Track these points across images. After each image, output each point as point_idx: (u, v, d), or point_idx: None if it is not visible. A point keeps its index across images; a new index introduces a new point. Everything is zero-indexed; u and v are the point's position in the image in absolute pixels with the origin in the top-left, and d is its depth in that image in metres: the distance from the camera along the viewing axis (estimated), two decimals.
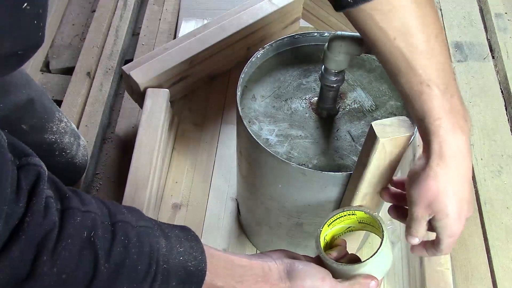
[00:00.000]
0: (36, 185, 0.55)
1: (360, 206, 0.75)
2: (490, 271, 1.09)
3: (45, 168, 0.57)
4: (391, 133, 0.63)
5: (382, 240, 0.70)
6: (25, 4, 0.57)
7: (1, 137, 0.53)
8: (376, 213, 0.73)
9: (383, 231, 0.70)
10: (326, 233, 0.76)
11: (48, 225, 0.54)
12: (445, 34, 1.53)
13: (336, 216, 0.75)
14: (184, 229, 0.68)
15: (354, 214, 0.75)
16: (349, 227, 0.78)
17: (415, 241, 0.68)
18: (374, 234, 0.77)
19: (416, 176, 0.64)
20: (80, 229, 0.57)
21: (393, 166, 0.69)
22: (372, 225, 0.75)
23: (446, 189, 0.62)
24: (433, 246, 0.70)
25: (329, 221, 0.75)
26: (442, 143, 0.61)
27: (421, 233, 0.68)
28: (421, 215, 0.65)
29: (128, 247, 0.60)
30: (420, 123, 0.62)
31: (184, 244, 0.65)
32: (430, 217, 0.65)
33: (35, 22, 0.61)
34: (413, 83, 0.61)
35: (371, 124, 0.63)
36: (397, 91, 0.65)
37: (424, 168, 0.62)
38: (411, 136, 0.64)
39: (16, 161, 0.55)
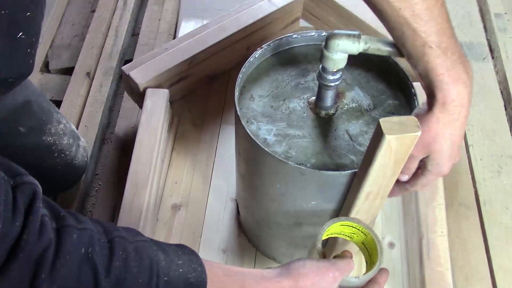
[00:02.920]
0: (33, 203, 0.54)
1: (373, 231, 0.76)
2: (490, 271, 1.09)
3: (40, 186, 0.57)
4: (398, 131, 0.62)
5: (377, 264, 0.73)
6: (20, 34, 0.58)
7: None
8: (381, 248, 0.74)
9: (376, 266, 0.73)
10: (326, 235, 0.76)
11: (44, 242, 0.54)
12: None
13: (348, 223, 0.76)
14: (180, 245, 0.68)
15: (365, 234, 0.76)
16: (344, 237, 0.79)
17: (405, 178, 0.78)
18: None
19: (419, 119, 0.69)
20: (78, 246, 0.57)
21: (399, 165, 0.69)
22: (369, 254, 0.77)
23: (444, 132, 0.71)
24: (412, 180, 0.78)
25: (338, 223, 0.75)
26: (445, 94, 0.69)
27: (412, 170, 0.77)
28: (417, 154, 0.73)
29: (127, 261, 0.60)
30: (424, 79, 0.71)
31: (183, 258, 0.65)
32: (424, 156, 0.74)
33: (28, 50, 0.62)
34: (417, 46, 0.69)
35: (378, 121, 0.63)
36: (404, 54, 0.73)
37: (427, 113, 0.71)
38: (417, 135, 0.64)
39: (10, 181, 0.54)
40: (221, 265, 0.70)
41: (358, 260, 1.01)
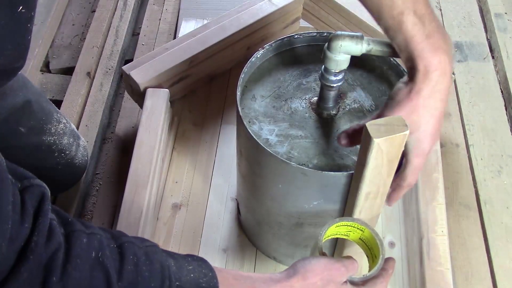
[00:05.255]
0: (41, 205, 0.54)
1: (370, 225, 0.76)
2: (490, 271, 1.09)
3: (48, 189, 0.57)
4: (385, 133, 0.63)
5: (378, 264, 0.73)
6: (21, 8, 0.58)
7: (0, 158, 0.53)
8: (381, 241, 0.75)
9: (380, 260, 0.74)
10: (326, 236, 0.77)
11: (54, 245, 0.53)
12: None
13: (343, 223, 0.76)
14: (189, 254, 0.68)
15: (362, 230, 0.76)
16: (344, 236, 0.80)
17: (343, 135, 0.75)
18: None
19: (400, 90, 0.70)
20: (88, 250, 0.56)
21: (393, 163, 0.69)
22: (369, 248, 0.77)
23: (426, 104, 0.68)
24: (397, 179, 0.74)
25: (336, 224, 0.76)
26: (427, 63, 0.68)
27: None
28: None
29: (138, 265, 0.59)
30: (404, 50, 0.69)
31: (192, 263, 0.65)
32: None
33: (28, 25, 0.62)
34: (394, 15, 0.68)
35: (365, 125, 0.63)
36: (382, 29, 0.72)
37: (409, 85, 0.69)
38: (406, 134, 0.64)
39: (17, 184, 0.54)
40: (231, 270, 0.71)
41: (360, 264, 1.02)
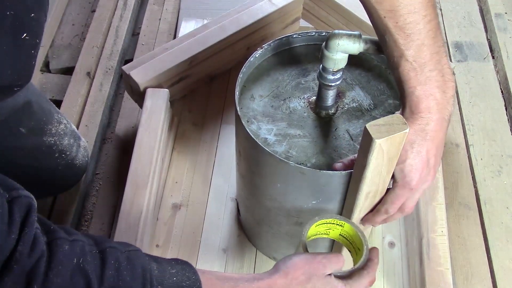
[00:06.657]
0: (28, 216, 0.55)
1: (348, 219, 0.77)
2: (490, 271, 1.09)
3: (35, 200, 0.58)
4: (386, 133, 0.63)
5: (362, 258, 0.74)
6: (25, 35, 0.58)
7: None
8: (362, 233, 0.75)
9: (365, 250, 0.74)
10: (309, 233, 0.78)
11: (37, 253, 0.54)
12: (445, 34, 1.53)
13: (322, 221, 0.76)
14: (173, 258, 0.69)
15: (341, 225, 0.77)
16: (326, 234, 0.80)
17: (339, 165, 0.77)
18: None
19: None
20: (70, 256, 0.57)
21: (393, 161, 0.69)
22: (350, 242, 0.78)
23: (411, 139, 0.69)
24: (383, 198, 0.77)
25: (316, 223, 0.76)
26: (413, 105, 0.69)
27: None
28: None
29: (119, 270, 0.60)
30: (399, 86, 0.71)
31: (176, 267, 0.66)
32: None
33: (32, 52, 0.62)
34: (394, 56, 0.69)
35: (365, 126, 0.63)
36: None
37: None
38: (406, 132, 0.64)
39: (5, 195, 0.55)
40: (214, 272, 0.72)
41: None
